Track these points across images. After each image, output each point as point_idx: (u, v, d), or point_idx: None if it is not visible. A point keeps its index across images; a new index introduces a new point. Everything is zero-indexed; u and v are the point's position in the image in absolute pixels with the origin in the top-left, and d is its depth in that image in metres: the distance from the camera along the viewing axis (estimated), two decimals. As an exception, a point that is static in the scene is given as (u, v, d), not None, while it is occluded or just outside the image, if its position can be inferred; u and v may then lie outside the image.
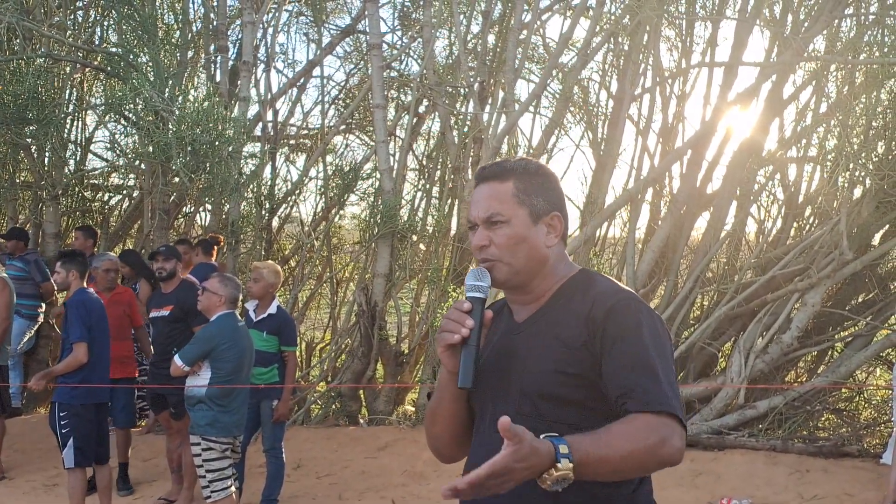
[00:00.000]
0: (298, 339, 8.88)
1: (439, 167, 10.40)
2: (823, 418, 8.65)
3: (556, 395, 2.03)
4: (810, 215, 9.10)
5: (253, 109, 9.78)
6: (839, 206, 7.92)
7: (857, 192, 8.12)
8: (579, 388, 2.02)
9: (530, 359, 2.08)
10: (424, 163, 10.95)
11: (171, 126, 7.75)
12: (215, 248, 8.36)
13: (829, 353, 9.07)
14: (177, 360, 5.65)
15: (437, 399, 2.23)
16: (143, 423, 8.73)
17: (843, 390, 8.80)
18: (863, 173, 7.82)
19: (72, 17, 10.60)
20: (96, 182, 11.51)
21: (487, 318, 2.06)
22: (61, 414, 6.00)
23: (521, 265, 2.12)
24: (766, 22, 8.87)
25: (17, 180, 10.45)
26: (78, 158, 10.97)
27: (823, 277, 7.87)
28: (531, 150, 9.85)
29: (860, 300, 8.97)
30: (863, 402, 9.24)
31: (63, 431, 5.99)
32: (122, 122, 9.56)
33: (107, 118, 10.39)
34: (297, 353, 8.68)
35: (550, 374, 2.03)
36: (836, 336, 8.82)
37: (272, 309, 6.53)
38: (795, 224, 9.20)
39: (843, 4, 8.41)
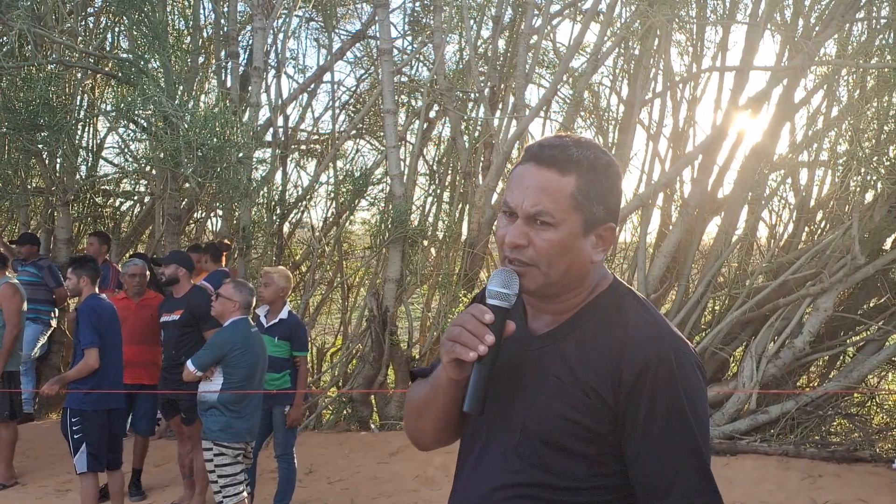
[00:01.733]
0: (309, 344, 8.88)
1: (450, 172, 10.40)
2: (836, 423, 8.62)
3: (562, 445, 1.74)
4: (822, 220, 9.08)
5: (264, 115, 9.80)
6: (851, 210, 7.90)
7: (869, 196, 8.11)
8: (590, 442, 1.74)
9: (540, 391, 1.78)
10: (435, 168, 10.95)
11: (181, 132, 7.77)
12: (224, 253, 8.36)
13: (842, 357, 9.05)
14: (189, 365, 5.66)
15: (428, 396, 1.91)
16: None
17: (856, 395, 8.77)
18: (875, 177, 7.81)
19: (83, 23, 10.64)
20: (107, 188, 11.56)
21: (510, 331, 1.76)
22: (73, 419, 6.03)
23: (558, 277, 1.77)
24: (777, 26, 8.86)
25: (29, 186, 10.49)
26: (89, 164, 11.00)
27: (835, 282, 7.86)
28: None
29: (872, 305, 8.94)
30: (875, 407, 9.21)
31: (75, 437, 6.02)
32: (133, 127, 9.60)
33: (118, 124, 10.42)
34: (309, 359, 8.69)
35: (559, 419, 1.74)
36: (849, 341, 8.79)
37: (283, 314, 6.54)
38: (807, 228, 9.19)
39: (854, 8, 8.40)
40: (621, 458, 1.75)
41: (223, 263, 8.20)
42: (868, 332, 8.60)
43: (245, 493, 5.69)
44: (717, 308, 9.28)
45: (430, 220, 9.96)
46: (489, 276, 10.31)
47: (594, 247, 1.80)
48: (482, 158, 9.41)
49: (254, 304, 6.02)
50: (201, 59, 10.15)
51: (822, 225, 9.05)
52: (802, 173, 9.27)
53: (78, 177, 10.46)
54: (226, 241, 8.90)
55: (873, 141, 7.93)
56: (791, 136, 9.31)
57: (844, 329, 8.84)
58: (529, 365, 1.82)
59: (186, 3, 10.22)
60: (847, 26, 8.54)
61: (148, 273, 7.51)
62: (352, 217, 10.42)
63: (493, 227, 8.97)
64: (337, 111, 10.93)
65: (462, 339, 1.71)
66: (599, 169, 1.79)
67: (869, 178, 7.84)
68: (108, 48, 10.67)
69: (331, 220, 10.51)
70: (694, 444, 1.72)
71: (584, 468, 1.74)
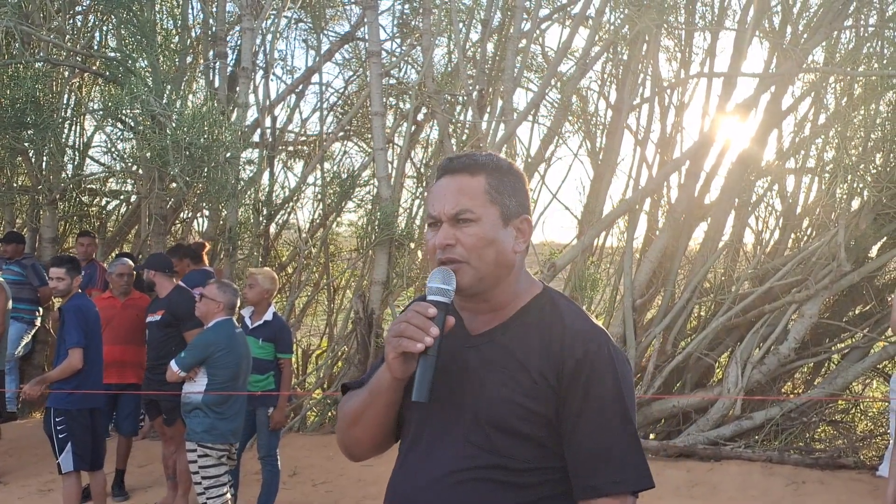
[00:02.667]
0: (295, 345, 8.85)
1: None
2: (820, 430, 8.66)
3: (513, 428, 1.86)
4: (808, 227, 9.11)
5: (251, 115, 9.77)
6: (837, 217, 7.93)
7: (855, 203, 8.14)
8: (538, 425, 1.86)
9: (487, 381, 1.89)
10: (422, 170, 10.94)
11: (168, 131, 7.73)
12: (203, 251, 8.25)
13: (826, 364, 9.08)
14: (173, 365, 5.64)
15: (366, 402, 2.00)
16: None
17: (840, 402, 8.81)
18: (861, 185, 7.84)
19: (70, 21, 10.59)
20: (94, 187, 11.49)
21: (449, 325, 1.88)
22: (57, 419, 5.97)
23: (488, 270, 1.91)
24: (765, 33, 8.90)
25: (15, 184, 10.44)
26: (76, 163, 10.95)
27: (821, 289, 7.88)
28: (530, 159, 9.84)
29: (857, 312, 8.98)
30: (859, 414, 9.25)
31: (60, 436, 5.96)
32: (120, 126, 9.55)
33: (105, 123, 10.36)
34: (294, 360, 8.65)
35: (509, 403, 1.86)
36: (833, 348, 8.83)
37: (268, 316, 6.51)
38: (793, 235, 9.22)
39: (842, 16, 8.44)
40: (562, 442, 1.88)
41: (205, 262, 8.14)
42: (853, 340, 8.64)
43: (228, 495, 5.66)
44: (702, 314, 9.31)
45: (417, 222, 9.95)
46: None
47: (515, 239, 1.96)
48: (470, 162, 9.39)
49: (238, 305, 5.99)
50: (189, 59, 10.11)
51: (809, 232, 9.09)
52: (789, 180, 9.32)
53: (64, 175, 10.40)
54: (200, 240, 8.82)
55: (860, 149, 7.97)
56: (778, 142, 9.37)
57: (829, 336, 8.88)
58: (472, 359, 1.93)
59: (175, 3, 10.17)
60: (835, 34, 8.58)
61: (134, 273, 7.46)
62: (339, 219, 10.41)
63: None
64: (325, 113, 10.91)
65: (408, 333, 1.83)
66: (504, 168, 1.98)
67: (855, 185, 7.87)
68: (95, 47, 10.62)
69: (317, 221, 10.48)
70: (627, 420, 1.87)
71: (533, 450, 1.86)
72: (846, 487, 6.78)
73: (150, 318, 6.90)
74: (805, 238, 9.07)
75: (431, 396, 1.84)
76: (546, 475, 1.88)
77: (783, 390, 8.78)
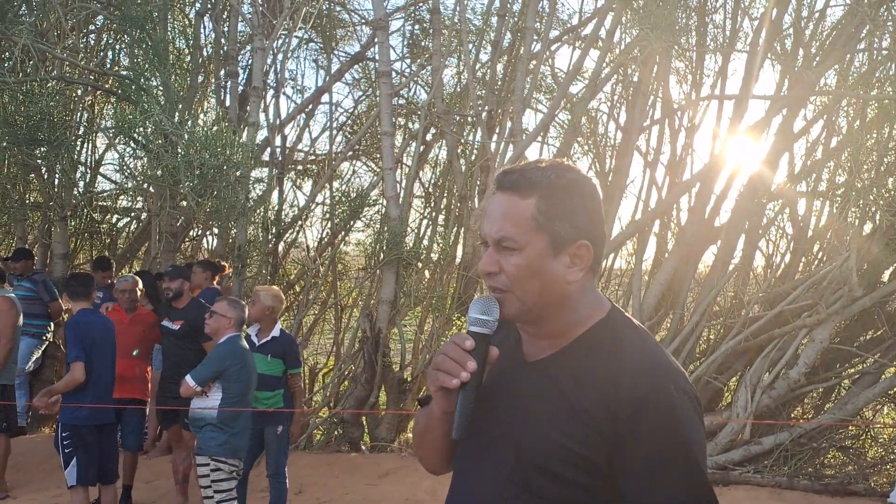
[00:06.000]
0: (302, 363, 8.84)
1: (445, 195, 10.40)
2: (830, 455, 8.56)
3: (557, 473, 1.71)
4: (819, 250, 9.05)
5: (261, 135, 9.82)
6: (849, 242, 7.87)
7: (867, 227, 8.08)
8: (583, 470, 1.70)
9: (534, 418, 1.76)
10: (431, 190, 10.95)
11: (179, 150, 7.77)
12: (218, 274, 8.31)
13: (837, 389, 9.00)
14: (188, 380, 5.65)
15: (426, 427, 1.95)
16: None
17: (850, 428, 8.70)
18: (873, 209, 7.78)
19: (84, 40, 10.69)
20: (105, 204, 11.56)
21: (492, 357, 1.76)
22: (64, 434, 6.08)
23: (533, 301, 1.75)
24: (777, 55, 8.87)
25: (28, 201, 10.50)
26: (87, 180, 11.04)
27: (832, 313, 7.81)
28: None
29: (868, 337, 8.89)
30: (870, 441, 9.13)
31: (66, 451, 6.08)
32: (132, 144, 9.61)
33: (117, 141, 10.44)
34: (302, 378, 8.64)
35: (555, 446, 1.71)
36: (844, 373, 8.74)
37: (275, 332, 6.52)
38: (804, 259, 9.16)
39: (855, 39, 8.41)
40: (613, 490, 1.71)
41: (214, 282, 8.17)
42: (864, 365, 8.55)
43: (239, 510, 5.67)
44: (712, 337, 9.24)
45: (425, 242, 9.94)
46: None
47: (569, 267, 1.77)
48: (478, 182, 9.41)
49: (246, 322, 6.02)
50: (201, 79, 10.18)
51: (820, 256, 9.02)
52: (800, 203, 9.26)
53: (76, 192, 10.48)
54: (220, 261, 8.85)
55: (872, 172, 7.91)
56: (790, 165, 9.31)
57: (840, 361, 8.79)
58: (523, 389, 1.81)
59: (187, 23, 10.28)
60: (847, 57, 8.55)
61: (140, 289, 7.49)
62: (347, 238, 10.42)
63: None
64: (334, 132, 10.99)
65: (445, 367, 1.73)
66: (560, 188, 1.77)
67: (867, 209, 7.81)
68: (108, 65, 10.71)
69: (326, 240, 10.50)
70: (695, 476, 1.70)
71: (575, 496, 1.72)
72: (856, 514, 6.70)
73: (166, 323, 7.07)
74: (816, 262, 9.01)
75: (468, 433, 1.75)
76: None
77: (793, 415, 8.69)
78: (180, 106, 8.56)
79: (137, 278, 7.61)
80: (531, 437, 1.75)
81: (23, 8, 9.74)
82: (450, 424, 1.80)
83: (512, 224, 1.75)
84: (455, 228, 9.92)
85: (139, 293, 7.44)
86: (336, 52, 11.25)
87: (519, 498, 1.75)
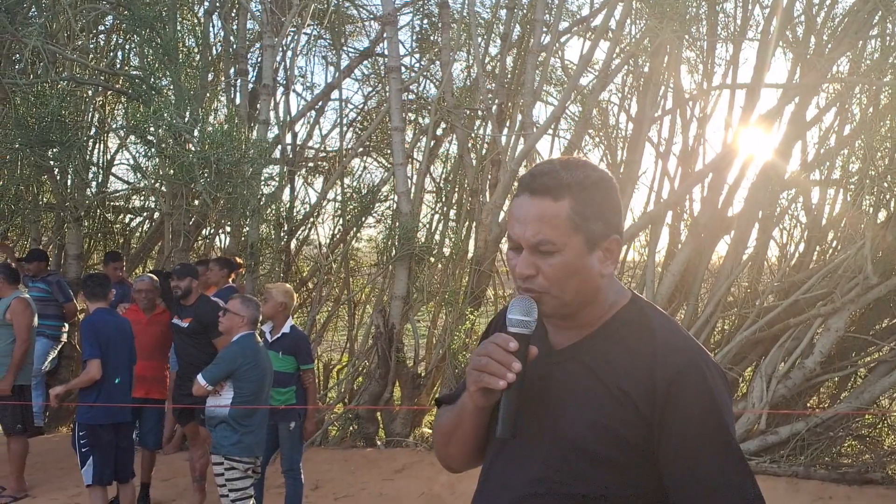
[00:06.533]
0: (316, 360, 8.86)
1: (457, 190, 10.39)
2: (846, 445, 8.52)
3: (593, 452, 1.76)
4: (833, 239, 9.00)
5: (272, 132, 9.83)
6: (863, 230, 7.82)
7: (882, 215, 8.03)
8: (621, 449, 1.75)
9: (569, 401, 1.81)
10: (442, 185, 10.94)
11: (193, 147, 7.80)
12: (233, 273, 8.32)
13: (853, 378, 8.96)
14: (200, 379, 5.65)
15: (455, 423, 1.98)
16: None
17: (867, 416, 8.67)
18: (888, 197, 7.73)
19: (94, 40, 10.72)
20: (118, 204, 11.60)
21: (532, 356, 1.80)
22: (80, 433, 6.15)
23: (571, 297, 1.81)
24: (789, 43, 8.82)
25: (41, 202, 10.54)
26: (100, 180, 11.06)
27: (847, 302, 7.77)
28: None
29: (884, 325, 8.83)
30: (886, 429, 9.09)
31: (83, 450, 6.14)
32: (144, 144, 9.64)
33: (128, 140, 10.47)
34: (315, 374, 8.66)
35: (591, 425, 1.77)
36: (860, 361, 8.70)
37: (286, 328, 6.53)
38: (818, 248, 9.11)
39: (867, 25, 8.35)
40: (651, 467, 1.76)
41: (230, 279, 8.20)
42: (880, 353, 8.50)
43: (254, 508, 5.68)
44: (726, 327, 9.21)
45: (437, 237, 9.95)
46: (495, 293, 10.20)
47: (602, 261, 1.84)
48: (489, 176, 9.40)
49: (260, 320, 6.03)
50: (211, 77, 10.19)
51: (834, 244, 8.97)
52: (814, 192, 9.21)
53: (88, 193, 10.51)
54: (237, 259, 8.87)
55: (886, 159, 7.85)
56: (803, 154, 9.26)
57: (856, 350, 8.74)
58: (555, 377, 1.85)
59: (196, 21, 10.29)
60: (860, 44, 8.48)
61: (157, 289, 7.51)
62: (358, 234, 10.43)
63: (501, 245, 8.97)
64: (344, 128, 10.97)
65: (490, 369, 1.76)
66: (590, 187, 1.82)
67: (882, 197, 7.76)
68: (118, 65, 10.74)
69: (338, 236, 10.51)
70: (732, 444, 1.76)
71: (613, 476, 1.76)
72: (874, 503, 6.67)
73: (176, 321, 7.07)
74: (831, 251, 8.95)
75: (516, 433, 1.78)
76: (623, 502, 1.79)
77: (809, 405, 8.66)
78: (191, 105, 8.57)
79: (155, 278, 7.63)
80: (568, 419, 1.80)
81: (33, 10, 9.78)
82: (485, 419, 1.89)
83: (550, 227, 1.78)
84: (466, 223, 9.92)
85: (157, 292, 7.47)
86: (345, 48, 11.25)
87: (555, 480, 1.79)
